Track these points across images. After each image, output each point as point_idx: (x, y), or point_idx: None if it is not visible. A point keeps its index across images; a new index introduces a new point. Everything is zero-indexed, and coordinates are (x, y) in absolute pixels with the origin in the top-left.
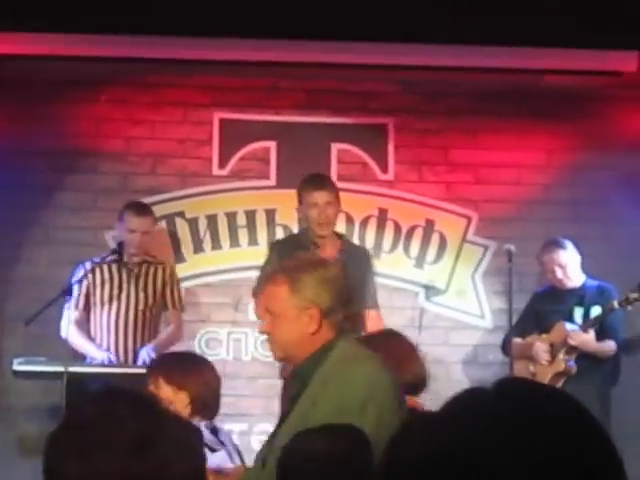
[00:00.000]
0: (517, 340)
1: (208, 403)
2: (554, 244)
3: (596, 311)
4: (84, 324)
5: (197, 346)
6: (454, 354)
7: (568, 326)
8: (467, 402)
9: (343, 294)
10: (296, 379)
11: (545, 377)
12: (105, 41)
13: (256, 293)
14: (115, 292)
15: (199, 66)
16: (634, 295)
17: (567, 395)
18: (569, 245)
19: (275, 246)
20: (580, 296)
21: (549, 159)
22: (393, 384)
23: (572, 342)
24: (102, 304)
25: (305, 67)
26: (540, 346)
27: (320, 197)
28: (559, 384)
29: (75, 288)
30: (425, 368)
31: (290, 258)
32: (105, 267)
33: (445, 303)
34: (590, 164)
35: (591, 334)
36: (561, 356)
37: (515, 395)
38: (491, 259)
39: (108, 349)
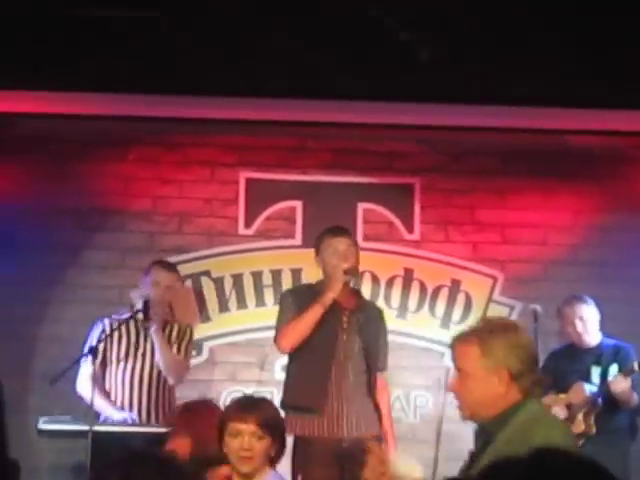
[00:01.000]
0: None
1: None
2: (576, 298)
3: (614, 370)
4: (99, 379)
5: (222, 405)
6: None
7: (587, 387)
8: (502, 474)
9: (532, 359)
10: (480, 436)
11: None
12: (134, 101)
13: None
14: (132, 350)
15: (226, 126)
16: None
17: (598, 466)
18: (590, 302)
19: (292, 293)
20: (597, 355)
21: (575, 219)
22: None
23: (615, 388)
24: (118, 361)
25: (331, 127)
26: (558, 410)
27: (339, 243)
28: (578, 444)
29: (91, 343)
30: None
31: (482, 320)
32: (123, 324)
33: None
34: (616, 225)
35: (629, 382)
36: (580, 417)
37: (549, 467)
38: (517, 319)
39: (122, 406)
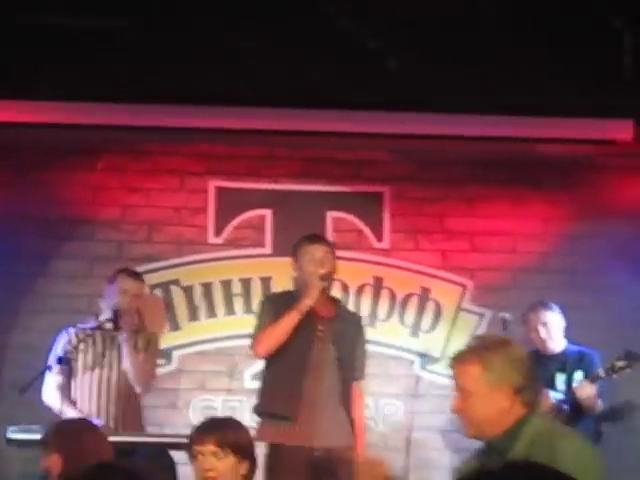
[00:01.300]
0: None
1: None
2: (540, 305)
3: (578, 377)
4: (64, 389)
5: (192, 414)
6: (450, 422)
7: (551, 394)
8: None
9: (531, 371)
10: (489, 453)
11: None
12: (102, 109)
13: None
14: (98, 359)
15: (195, 134)
16: (620, 363)
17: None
18: (555, 308)
19: (270, 299)
20: (562, 362)
21: (545, 227)
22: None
23: (581, 394)
24: (84, 370)
25: (301, 135)
26: None
27: (317, 250)
28: None
29: (57, 352)
30: None
31: (477, 338)
32: (88, 333)
33: (441, 371)
34: (586, 233)
35: (594, 388)
36: None
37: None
38: (487, 327)
39: (90, 415)
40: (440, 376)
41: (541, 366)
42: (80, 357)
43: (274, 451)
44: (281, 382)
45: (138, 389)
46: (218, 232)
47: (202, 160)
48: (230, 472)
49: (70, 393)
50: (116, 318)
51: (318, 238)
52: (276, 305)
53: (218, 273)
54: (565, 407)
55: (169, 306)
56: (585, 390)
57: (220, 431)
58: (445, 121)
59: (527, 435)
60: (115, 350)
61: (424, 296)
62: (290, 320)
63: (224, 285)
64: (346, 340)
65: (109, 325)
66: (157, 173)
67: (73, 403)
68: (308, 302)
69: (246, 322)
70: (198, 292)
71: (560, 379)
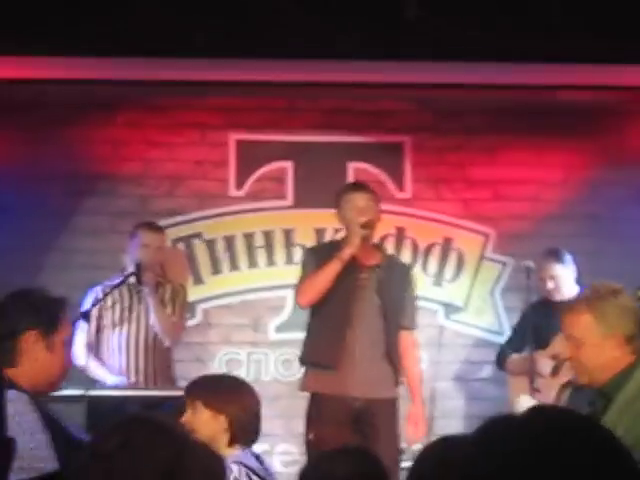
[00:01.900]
0: (514, 356)
1: (247, 428)
2: (550, 256)
3: None
4: (95, 346)
5: (217, 367)
6: (474, 371)
7: None
8: (499, 431)
9: None
10: (599, 398)
11: (551, 390)
12: (120, 64)
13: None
14: (125, 314)
15: (214, 87)
16: None
17: (595, 422)
18: (567, 259)
19: (313, 249)
20: None
21: (567, 175)
22: None
23: None
24: (113, 326)
25: (321, 87)
26: (544, 361)
27: (359, 198)
28: (565, 395)
29: (84, 309)
30: None
31: (590, 287)
32: (116, 291)
33: (464, 320)
34: (608, 179)
35: None
36: (567, 365)
37: (546, 425)
38: (510, 276)
39: (120, 371)
40: (464, 325)
41: (554, 313)
42: (107, 314)
43: (314, 400)
44: (323, 332)
45: (167, 342)
46: (239, 185)
47: (222, 113)
48: (205, 426)
49: (98, 350)
50: (139, 272)
51: (361, 186)
52: (318, 255)
53: (240, 226)
54: None
55: (192, 260)
56: None
57: (192, 386)
58: (464, 70)
59: (635, 382)
60: (142, 305)
61: (446, 246)
62: (331, 269)
63: (246, 238)
64: (391, 288)
65: (132, 279)
66: (177, 127)
67: (101, 360)
68: (349, 250)
69: (269, 274)
70: (220, 245)
71: None
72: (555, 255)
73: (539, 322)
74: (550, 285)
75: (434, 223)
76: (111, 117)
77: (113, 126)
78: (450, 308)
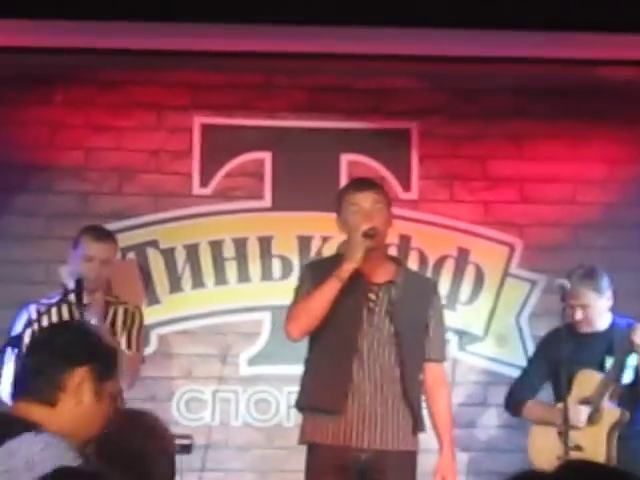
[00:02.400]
0: (533, 403)
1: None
2: (585, 279)
3: (633, 361)
4: None
5: (175, 408)
6: (493, 416)
7: (595, 372)
8: None
9: None
10: None
11: (600, 440)
12: (59, 28)
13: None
14: None
15: (176, 59)
16: None
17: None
18: (604, 283)
19: (310, 267)
20: (608, 341)
21: (611, 172)
22: None
23: (638, 340)
24: None
25: (307, 59)
26: (578, 409)
27: (365, 199)
28: (615, 438)
29: (15, 334)
30: None
31: None
32: (54, 310)
33: (483, 353)
34: None
35: None
36: (606, 405)
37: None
38: (540, 297)
39: None
40: (482, 358)
41: (579, 347)
42: None
43: (312, 452)
44: (324, 369)
45: (124, 385)
46: (205, 181)
47: (185, 91)
48: None
49: None
50: (79, 289)
51: (366, 184)
52: (318, 273)
53: (206, 232)
54: (619, 378)
55: (145, 274)
56: None
57: None
58: (487, 40)
59: None
60: None
61: (462, 259)
62: (327, 291)
63: (213, 247)
64: (408, 310)
65: (72, 298)
66: (129, 108)
67: None
68: (348, 266)
69: (241, 293)
70: (181, 256)
71: (609, 363)
72: (590, 279)
73: (563, 357)
74: (579, 316)
75: (447, 230)
76: (47, 94)
77: (50, 105)
78: (466, 337)
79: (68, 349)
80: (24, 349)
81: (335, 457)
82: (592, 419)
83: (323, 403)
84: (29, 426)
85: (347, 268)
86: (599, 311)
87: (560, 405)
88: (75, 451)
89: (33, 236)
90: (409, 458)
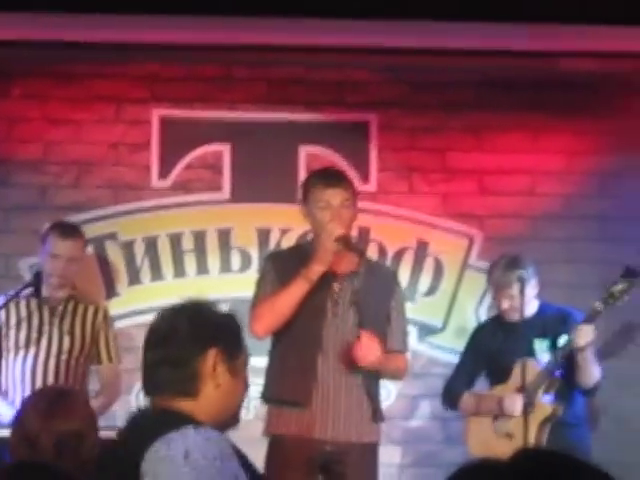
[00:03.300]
0: (468, 395)
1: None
2: (509, 269)
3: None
4: None
5: (134, 401)
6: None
7: (535, 362)
8: (478, 477)
9: None
10: None
11: (531, 432)
12: (16, 20)
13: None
14: (34, 335)
15: (134, 51)
16: (619, 287)
17: (591, 466)
18: (529, 271)
19: (272, 259)
20: (539, 326)
21: (570, 164)
22: None
23: (580, 341)
24: (17, 349)
25: (266, 50)
26: (513, 397)
27: (334, 195)
28: (546, 432)
29: None
30: None
31: None
32: (22, 304)
33: (442, 344)
34: (619, 169)
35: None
36: (542, 398)
37: (532, 470)
38: None
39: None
40: (442, 351)
41: (510, 336)
42: (11, 334)
43: (274, 443)
44: (289, 360)
45: (105, 399)
46: (164, 173)
47: (143, 83)
48: None
49: (0, 379)
50: (37, 282)
51: (337, 178)
52: (280, 265)
53: (165, 225)
54: (557, 373)
55: (104, 267)
56: (584, 334)
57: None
58: (446, 31)
59: None
60: (55, 324)
61: (421, 250)
62: (295, 291)
63: (172, 239)
64: (371, 301)
65: (29, 291)
66: (87, 101)
67: (4, 392)
68: (318, 268)
69: (200, 285)
70: (140, 249)
71: (540, 346)
72: (514, 268)
73: (495, 347)
74: (505, 305)
75: (406, 222)
76: (5, 87)
77: (7, 98)
78: (425, 329)
79: (192, 336)
80: None
81: (299, 448)
82: (526, 409)
83: (288, 395)
84: (184, 419)
85: (317, 270)
86: (525, 299)
87: (493, 392)
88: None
89: None
90: (371, 450)
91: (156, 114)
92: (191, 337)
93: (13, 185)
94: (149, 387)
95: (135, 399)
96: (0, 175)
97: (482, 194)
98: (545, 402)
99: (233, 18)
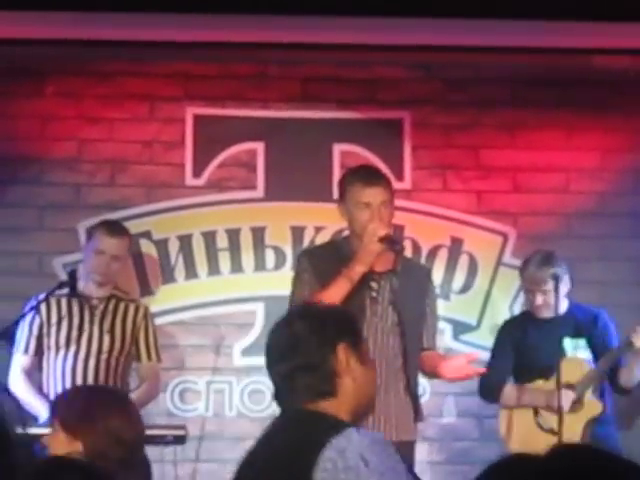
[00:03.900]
0: (514, 386)
1: (109, 458)
2: (544, 264)
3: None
4: (35, 372)
5: (169, 399)
6: (487, 405)
7: (583, 361)
8: (514, 472)
9: None
10: None
11: (577, 429)
12: (50, 19)
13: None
14: (74, 333)
15: (168, 50)
16: None
17: (627, 461)
18: (563, 268)
19: (307, 256)
20: (571, 325)
21: (604, 161)
22: None
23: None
24: (57, 348)
25: (299, 49)
26: (567, 393)
27: (374, 195)
28: (590, 430)
29: (24, 328)
30: None
31: None
32: (63, 302)
33: (477, 342)
34: None
35: None
36: (590, 396)
37: (568, 465)
38: None
39: None
40: (476, 348)
41: (544, 334)
42: (52, 332)
43: None
44: None
45: (146, 398)
46: (198, 172)
47: (177, 82)
48: (59, 449)
49: (42, 377)
50: (73, 282)
51: (375, 177)
52: (316, 262)
53: (199, 223)
54: (604, 377)
55: (139, 265)
56: None
57: (56, 400)
58: (479, 29)
59: None
60: (95, 323)
61: (455, 248)
62: (337, 291)
63: (207, 238)
64: (411, 300)
65: (65, 290)
66: (121, 99)
67: (39, 389)
68: (360, 269)
69: (234, 283)
70: (174, 247)
71: (570, 344)
72: (549, 264)
73: (527, 343)
74: (539, 301)
75: (440, 220)
76: (39, 86)
77: (41, 97)
78: (460, 327)
79: (318, 338)
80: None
81: None
82: (573, 407)
83: None
84: (338, 422)
85: (359, 270)
86: (560, 296)
87: (536, 386)
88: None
89: (25, 228)
90: (409, 448)
91: (190, 112)
92: (317, 339)
93: (47, 183)
94: (287, 396)
95: (170, 397)
96: (34, 173)
97: (516, 192)
98: (594, 400)
99: (266, 17)
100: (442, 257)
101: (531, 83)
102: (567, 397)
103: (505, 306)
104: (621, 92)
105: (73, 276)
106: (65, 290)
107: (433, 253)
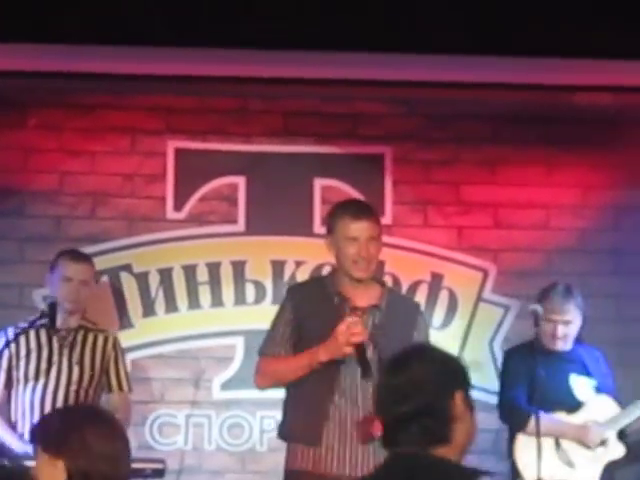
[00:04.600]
0: (546, 417)
1: (93, 475)
2: (568, 294)
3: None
4: (4, 405)
5: (148, 432)
6: (482, 420)
7: (611, 400)
8: None
9: None
10: None
11: (597, 468)
12: (33, 52)
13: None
14: (43, 366)
15: (150, 83)
16: None
17: None
18: (578, 300)
19: (290, 293)
20: (578, 362)
21: (585, 198)
22: None
23: None
24: (26, 380)
25: (281, 83)
26: (597, 430)
27: (361, 230)
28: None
29: None
30: None
31: None
32: (32, 334)
33: None
34: (634, 203)
35: None
36: (615, 439)
37: None
38: (513, 322)
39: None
40: None
41: (556, 363)
42: (21, 365)
43: (290, 477)
44: (304, 397)
45: None
46: (179, 205)
47: (159, 115)
48: (44, 472)
49: (10, 410)
50: (53, 313)
51: (364, 211)
52: (298, 303)
53: (179, 256)
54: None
55: (118, 298)
56: None
57: (36, 424)
58: (460, 65)
59: None
60: (65, 355)
61: (436, 284)
62: (297, 368)
63: (187, 271)
64: (394, 336)
65: (44, 322)
66: (103, 132)
67: (13, 425)
68: (324, 359)
69: (214, 317)
70: (155, 280)
71: (579, 383)
72: (571, 295)
73: (542, 375)
74: (561, 332)
75: (420, 255)
76: (21, 118)
77: (23, 129)
78: None
79: (441, 383)
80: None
81: None
82: (602, 444)
83: (304, 433)
84: (461, 469)
85: (323, 360)
86: (577, 328)
87: (569, 419)
88: None
89: (6, 260)
90: None
91: (171, 146)
92: (440, 385)
93: (28, 216)
94: (400, 439)
95: (148, 431)
96: (15, 205)
97: (496, 227)
98: (620, 442)
99: (248, 51)
100: (422, 292)
101: (512, 119)
102: (598, 433)
103: (485, 342)
104: (602, 129)
105: (53, 307)
106: (44, 321)
107: (413, 289)
